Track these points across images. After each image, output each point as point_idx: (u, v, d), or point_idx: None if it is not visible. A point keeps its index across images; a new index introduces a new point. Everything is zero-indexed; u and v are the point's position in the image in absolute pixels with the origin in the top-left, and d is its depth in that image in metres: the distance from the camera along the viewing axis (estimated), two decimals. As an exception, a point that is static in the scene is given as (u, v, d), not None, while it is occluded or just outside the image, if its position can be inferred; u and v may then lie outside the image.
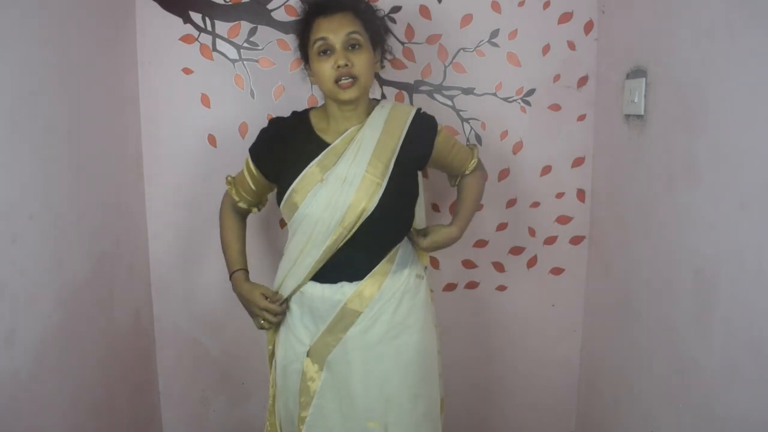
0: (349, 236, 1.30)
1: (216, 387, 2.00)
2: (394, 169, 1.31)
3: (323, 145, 1.34)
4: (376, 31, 1.33)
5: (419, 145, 1.38)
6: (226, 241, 1.51)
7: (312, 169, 1.31)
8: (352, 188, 1.28)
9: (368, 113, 1.37)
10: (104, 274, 1.63)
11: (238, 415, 2.01)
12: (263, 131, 1.43)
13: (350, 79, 1.26)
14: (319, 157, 1.31)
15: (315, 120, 1.38)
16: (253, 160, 1.42)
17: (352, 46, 1.26)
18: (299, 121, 1.40)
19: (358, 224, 1.30)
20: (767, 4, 1.07)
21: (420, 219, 1.49)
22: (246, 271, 1.48)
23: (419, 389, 1.38)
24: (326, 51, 1.26)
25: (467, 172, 1.51)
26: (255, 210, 1.55)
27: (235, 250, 1.49)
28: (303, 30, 1.32)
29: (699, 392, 1.28)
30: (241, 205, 1.51)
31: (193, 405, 2.00)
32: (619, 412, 1.70)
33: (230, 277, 1.48)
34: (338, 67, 1.25)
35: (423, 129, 1.39)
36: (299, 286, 1.36)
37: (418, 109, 1.41)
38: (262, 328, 1.44)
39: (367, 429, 1.33)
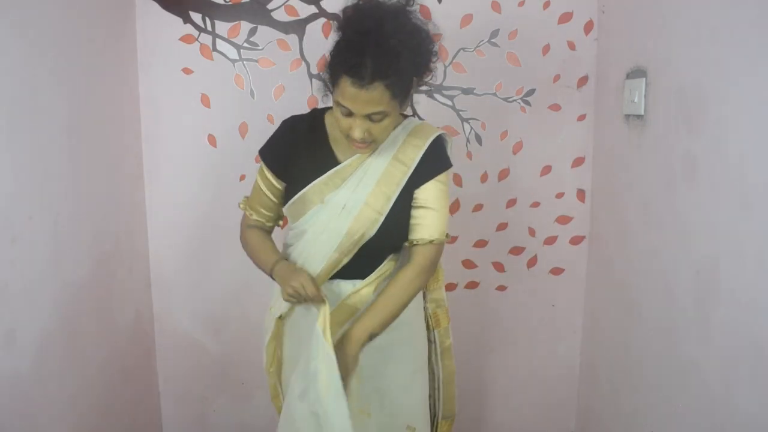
0: (346, 261, 1.28)
1: (216, 387, 1.99)
2: (396, 199, 1.28)
3: (333, 161, 1.30)
4: (407, 90, 1.20)
5: (424, 172, 1.30)
6: (253, 246, 1.37)
7: (319, 186, 1.28)
8: (350, 217, 1.26)
9: None
10: (104, 274, 1.63)
11: (238, 415, 2.01)
12: (277, 132, 1.37)
13: (366, 143, 1.21)
14: (323, 178, 1.28)
15: (331, 127, 1.32)
16: (264, 161, 1.36)
17: (374, 120, 1.18)
18: (315, 124, 1.34)
19: (356, 248, 1.28)
20: (767, 4, 1.07)
21: None
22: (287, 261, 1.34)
23: (411, 381, 1.40)
24: (348, 114, 1.18)
25: (416, 243, 1.29)
26: (274, 225, 1.44)
27: (268, 248, 1.36)
28: (330, 73, 1.19)
29: (699, 392, 1.28)
30: (260, 222, 1.39)
31: (193, 405, 2.00)
32: (619, 412, 1.70)
33: (271, 270, 1.32)
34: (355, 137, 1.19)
35: (433, 160, 1.30)
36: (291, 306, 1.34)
37: (438, 136, 1.31)
38: (288, 300, 1.28)
39: (359, 416, 1.34)
